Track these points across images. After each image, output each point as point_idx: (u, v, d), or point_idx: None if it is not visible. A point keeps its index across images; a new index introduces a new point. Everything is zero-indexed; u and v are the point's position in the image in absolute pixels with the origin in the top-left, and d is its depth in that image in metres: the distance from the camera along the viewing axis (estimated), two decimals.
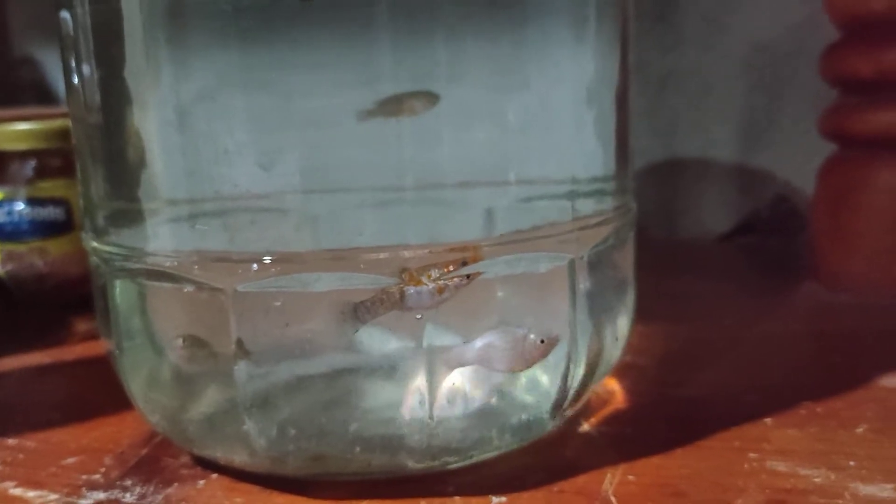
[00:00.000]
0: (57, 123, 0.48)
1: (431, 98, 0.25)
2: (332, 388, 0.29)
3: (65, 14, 0.28)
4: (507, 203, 0.27)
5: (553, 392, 0.29)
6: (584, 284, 0.29)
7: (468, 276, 0.26)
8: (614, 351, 0.31)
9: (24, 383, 0.39)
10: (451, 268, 0.26)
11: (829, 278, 0.49)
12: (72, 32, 0.28)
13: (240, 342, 0.26)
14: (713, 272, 0.57)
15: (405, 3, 0.25)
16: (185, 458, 0.30)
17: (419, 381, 0.27)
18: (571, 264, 0.28)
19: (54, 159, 0.48)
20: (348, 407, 0.28)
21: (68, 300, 0.49)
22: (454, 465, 0.28)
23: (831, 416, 0.32)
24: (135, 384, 0.30)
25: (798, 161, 0.62)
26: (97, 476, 0.29)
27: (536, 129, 0.27)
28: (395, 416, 0.28)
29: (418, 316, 0.26)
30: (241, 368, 0.26)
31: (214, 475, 0.29)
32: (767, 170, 0.64)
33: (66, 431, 0.33)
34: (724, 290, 0.51)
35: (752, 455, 0.29)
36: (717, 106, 0.65)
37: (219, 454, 0.29)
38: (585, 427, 0.32)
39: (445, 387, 0.27)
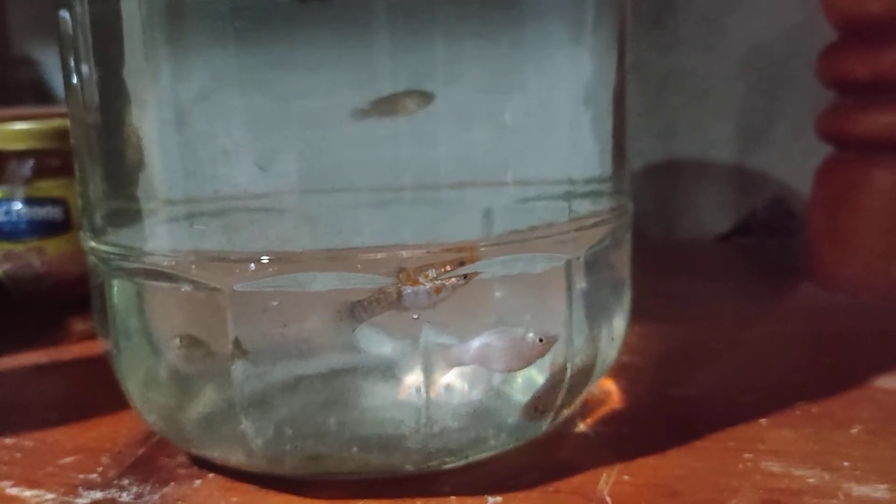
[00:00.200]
0: (55, 123, 0.48)
1: (425, 97, 0.25)
2: (329, 387, 0.29)
3: (64, 13, 0.28)
4: (504, 203, 0.27)
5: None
6: (580, 285, 0.29)
7: (465, 277, 0.26)
8: (610, 351, 0.31)
9: (21, 383, 0.39)
10: (448, 268, 0.26)
11: (825, 279, 0.49)
12: (71, 32, 0.28)
13: (237, 342, 0.26)
14: (710, 273, 0.57)
15: (403, 3, 0.25)
16: (181, 458, 0.30)
17: (416, 381, 0.27)
18: (568, 265, 0.28)
19: (52, 159, 0.48)
20: (345, 407, 0.29)
21: (66, 300, 0.49)
22: (450, 465, 0.28)
23: (826, 417, 0.32)
24: (132, 384, 0.30)
25: (796, 162, 0.62)
26: (94, 475, 0.29)
27: (534, 130, 0.27)
28: (391, 416, 0.28)
29: (415, 316, 0.26)
30: (238, 368, 0.26)
31: (211, 475, 0.29)
32: (765, 171, 0.64)
33: (63, 431, 0.33)
34: (721, 290, 0.51)
35: (746, 455, 0.29)
36: (716, 107, 0.65)
37: (215, 454, 0.29)
38: (581, 427, 0.32)
39: (442, 387, 0.27)
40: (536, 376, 0.29)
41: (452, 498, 0.27)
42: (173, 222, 0.27)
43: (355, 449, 0.27)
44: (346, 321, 0.26)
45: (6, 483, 0.29)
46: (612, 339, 0.31)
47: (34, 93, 0.79)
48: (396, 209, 0.26)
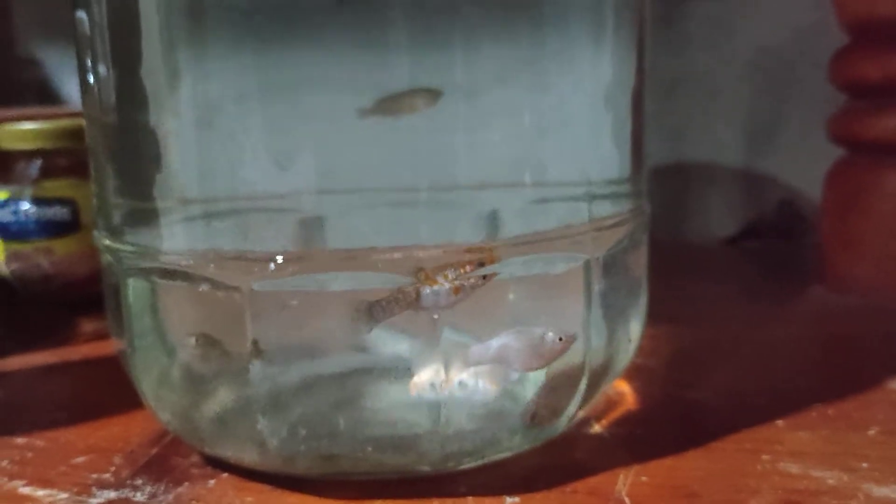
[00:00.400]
0: (63, 123, 0.48)
1: (432, 95, 0.25)
2: (344, 387, 0.29)
3: (81, 13, 0.28)
4: (523, 205, 0.27)
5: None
6: (598, 286, 0.28)
7: (484, 277, 0.26)
8: (627, 353, 0.31)
9: (31, 383, 0.39)
10: (467, 268, 0.25)
11: (836, 282, 0.49)
12: (88, 32, 0.28)
13: (255, 341, 0.26)
14: (719, 275, 0.57)
15: (423, 5, 0.25)
16: (195, 458, 0.30)
17: (433, 381, 0.27)
18: (587, 265, 0.28)
19: (60, 159, 0.48)
20: (360, 407, 0.28)
21: (74, 300, 0.48)
22: (467, 466, 0.28)
23: (842, 419, 0.32)
24: (146, 383, 0.29)
25: (804, 165, 0.62)
26: (107, 475, 0.29)
27: (554, 131, 0.27)
28: (407, 417, 0.28)
29: (435, 316, 0.26)
30: (256, 368, 0.26)
31: (225, 474, 0.29)
32: (773, 173, 0.64)
33: (74, 431, 0.33)
34: (730, 292, 0.51)
35: (764, 457, 0.29)
36: (724, 109, 0.65)
37: (230, 453, 0.29)
38: (597, 428, 0.32)
39: (459, 387, 0.27)
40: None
41: (469, 498, 0.27)
42: (190, 221, 0.27)
43: (370, 449, 0.27)
44: (363, 321, 0.26)
45: (19, 482, 0.29)
46: (629, 341, 0.31)
47: (38, 93, 0.79)
48: (414, 210, 0.26)
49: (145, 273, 0.28)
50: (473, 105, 0.26)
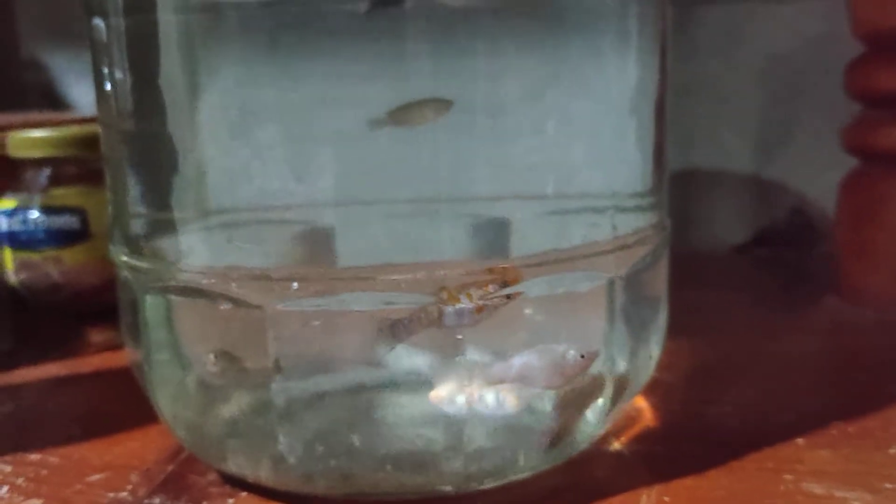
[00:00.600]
0: (72, 131, 0.48)
1: (443, 105, 0.25)
2: (364, 405, 0.28)
3: (98, 21, 0.28)
4: (546, 218, 0.27)
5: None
6: (621, 303, 0.28)
7: (508, 297, 0.25)
8: (647, 369, 0.31)
9: (42, 395, 0.39)
10: (490, 287, 0.25)
11: (851, 293, 0.49)
12: (105, 40, 0.28)
13: (276, 359, 0.26)
14: (730, 284, 0.56)
15: (445, 15, 0.24)
16: (212, 476, 0.30)
17: (455, 400, 0.26)
18: (611, 283, 0.28)
19: (69, 167, 0.48)
20: (380, 425, 0.28)
21: (83, 310, 0.48)
22: (488, 486, 0.28)
23: (864, 437, 0.32)
24: (163, 399, 0.29)
25: (814, 173, 0.61)
26: (124, 493, 0.29)
27: (578, 143, 0.27)
28: (428, 435, 0.27)
29: (459, 336, 0.25)
30: (277, 386, 0.26)
31: (244, 493, 0.29)
32: (783, 182, 0.64)
33: (88, 446, 0.33)
34: (742, 303, 0.51)
35: (787, 476, 0.29)
36: (734, 117, 0.64)
37: (248, 472, 0.28)
38: (616, 446, 0.31)
39: (481, 406, 0.27)
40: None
41: None
42: (209, 235, 0.27)
43: (389, 467, 0.27)
44: (386, 339, 0.26)
45: (35, 501, 0.29)
46: (650, 357, 0.31)
47: (42, 96, 0.79)
48: (436, 224, 0.26)
49: (164, 290, 0.28)
50: (495, 117, 0.26)
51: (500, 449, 0.27)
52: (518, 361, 0.26)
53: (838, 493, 0.28)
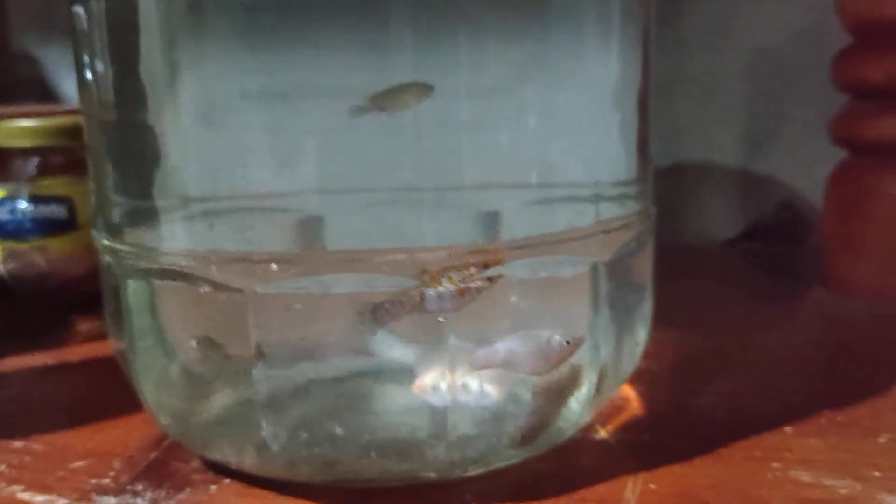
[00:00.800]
0: (60, 121, 0.47)
1: (423, 89, 0.25)
2: (347, 391, 0.28)
3: (78, 9, 0.28)
4: (529, 206, 0.27)
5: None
6: (605, 289, 0.28)
7: (490, 280, 0.25)
8: (633, 356, 0.31)
9: (28, 384, 0.39)
10: (472, 270, 0.25)
11: (838, 285, 0.49)
12: (85, 28, 0.28)
13: (258, 344, 0.26)
14: (719, 277, 0.56)
15: (427, 3, 0.24)
16: (195, 463, 0.30)
17: (438, 387, 0.26)
18: (594, 268, 0.27)
19: (57, 157, 0.47)
20: (364, 411, 0.28)
21: (70, 300, 0.48)
22: (472, 473, 0.28)
23: (852, 425, 0.31)
24: (146, 386, 0.29)
25: (803, 167, 0.61)
26: (107, 480, 0.29)
27: (561, 131, 0.27)
28: (411, 422, 0.27)
29: (441, 319, 0.25)
30: (259, 371, 0.26)
31: (227, 480, 0.28)
32: (772, 175, 0.64)
33: (72, 434, 0.33)
34: (731, 295, 0.51)
35: (774, 465, 0.29)
36: (722, 111, 0.64)
37: (231, 458, 0.28)
38: (602, 434, 0.31)
39: (464, 392, 0.27)
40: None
41: None
42: (191, 221, 0.27)
43: (374, 455, 0.27)
44: (367, 323, 0.25)
45: (17, 487, 0.28)
46: (636, 344, 0.31)
47: (33, 90, 0.78)
48: (418, 210, 0.25)
49: (145, 274, 0.27)
50: (478, 104, 0.25)
51: (485, 436, 0.27)
52: (502, 347, 0.26)
53: (826, 482, 0.27)
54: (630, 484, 0.28)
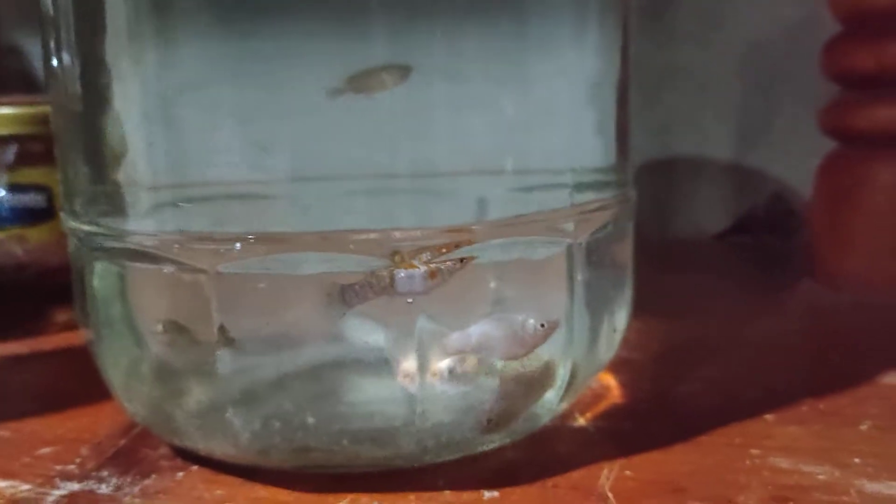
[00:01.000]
0: (40, 109, 0.47)
1: (402, 71, 0.24)
2: (318, 378, 0.28)
3: None
4: (504, 192, 0.26)
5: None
6: (581, 273, 0.27)
7: (461, 260, 0.25)
8: (611, 344, 0.30)
9: (1, 373, 0.38)
10: (444, 251, 0.24)
11: (826, 277, 0.48)
12: (51, 13, 0.27)
13: (222, 328, 0.25)
14: (709, 270, 0.56)
15: None
16: (164, 450, 0.29)
17: (410, 372, 0.26)
18: (569, 250, 0.27)
19: (37, 145, 0.47)
20: (336, 398, 0.27)
21: (48, 289, 0.47)
22: (445, 459, 0.27)
23: (834, 414, 0.31)
24: (113, 373, 0.28)
25: (794, 160, 0.61)
26: (72, 466, 0.28)
27: (535, 118, 0.26)
28: (383, 408, 0.26)
29: (409, 300, 0.24)
30: (224, 356, 0.25)
31: (195, 467, 0.28)
32: (763, 168, 0.63)
33: (41, 421, 0.32)
34: (720, 287, 0.50)
35: (753, 451, 0.28)
36: (713, 104, 0.64)
37: (200, 445, 0.27)
38: (581, 422, 0.31)
39: (436, 377, 0.26)
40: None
41: (447, 492, 0.26)
42: (157, 204, 0.26)
43: (346, 441, 0.26)
44: (336, 306, 0.25)
45: None
46: (614, 332, 0.30)
47: (21, 82, 0.78)
48: (392, 197, 0.25)
49: (110, 255, 0.27)
50: (451, 89, 0.25)
51: (458, 423, 0.27)
52: (476, 331, 0.25)
53: (805, 468, 0.27)
54: (606, 471, 0.27)
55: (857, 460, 0.27)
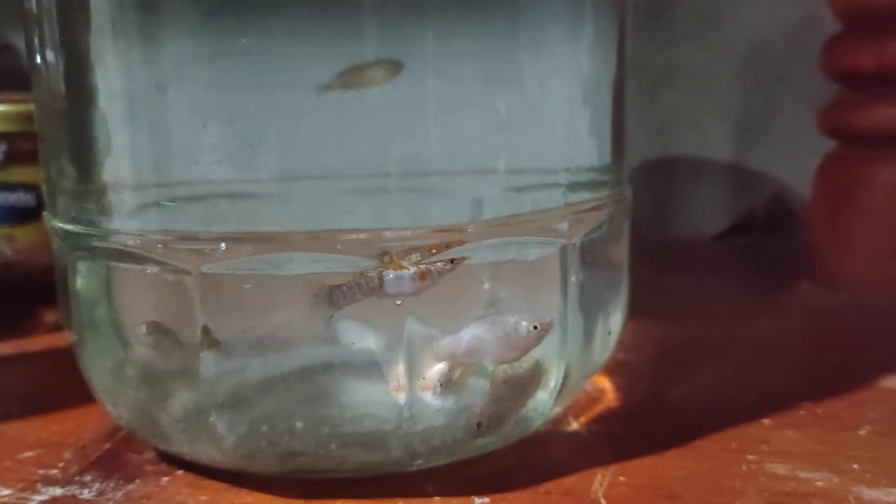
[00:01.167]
0: (28, 106, 0.46)
1: (394, 67, 0.23)
2: (306, 382, 0.27)
3: None
4: (497, 191, 0.25)
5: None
6: (575, 274, 0.27)
7: (452, 261, 0.24)
8: (606, 346, 0.30)
9: None
10: (434, 252, 0.24)
11: (826, 278, 0.48)
12: (35, 10, 0.26)
13: (206, 330, 0.24)
14: (708, 271, 0.55)
15: None
16: (149, 454, 0.29)
17: (399, 376, 0.25)
18: (563, 251, 0.26)
19: (26, 143, 0.46)
20: (324, 403, 0.27)
21: (37, 289, 0.46)
22: (435, 464, 0.27)
23: (832, 418, 0.30)
24: (97, 376, 0.28)
25: (794, 160, 0.61)
26: (55, 471, 0.28)
27: (528, 117, 0.26)
28: (373, 412, 0.26)
29: (398, 302, 0.24)
30: (209, 359, 0.25)
31: (180, 472, 0.27)
32: (763, 169, 0.63)
33: (24, 424, 0.31)
34: (718, 288, 0.50)
35: (749, 457, 0.28)
36: (713, 104, 0.64)
37: (185, 450, 0.27)
38: (574, 426, 0.30)
39: (426, 381, 0.25)
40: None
41: (437, 498, 0.25)
42: (141, 203, 0.25)
43: (334, 446, 0.26)
44: (323, 307, 0.24)
45: None
46: (609, 334, 0.30)
47: (14, 80, 0.77)
48: (382, 196, 0.24)
49: (94, 255, 0.26)
50: (443, 86, 0.24)
51: (449, 427, 0.26)
52: (467, 335, 0.25)
53: (802, 474, 0.26)
54: (599, 476, 0.26)
55: (855, 466, 0.27)
